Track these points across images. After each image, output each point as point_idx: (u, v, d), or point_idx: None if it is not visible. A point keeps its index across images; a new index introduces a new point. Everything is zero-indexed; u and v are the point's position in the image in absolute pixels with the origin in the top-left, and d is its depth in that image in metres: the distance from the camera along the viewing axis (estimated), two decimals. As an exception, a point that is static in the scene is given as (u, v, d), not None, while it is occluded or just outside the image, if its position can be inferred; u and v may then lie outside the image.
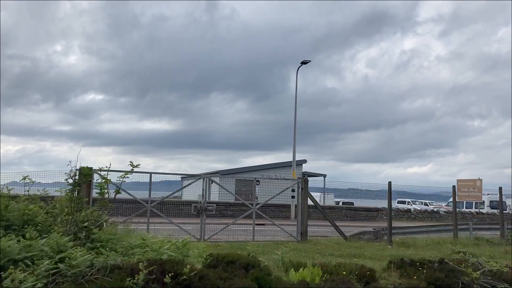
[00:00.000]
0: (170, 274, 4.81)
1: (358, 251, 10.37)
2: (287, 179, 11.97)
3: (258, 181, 24.81)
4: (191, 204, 10.31)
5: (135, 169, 6.75)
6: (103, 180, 6.44)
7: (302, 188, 11.22)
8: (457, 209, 38.10)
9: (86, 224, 6.55)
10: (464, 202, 37.98)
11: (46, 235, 5.92)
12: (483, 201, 36.30)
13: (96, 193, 6.68)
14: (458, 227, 15.28)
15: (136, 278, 4.68)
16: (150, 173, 10.48)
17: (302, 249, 10.29)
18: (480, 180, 21.69)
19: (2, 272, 4.46)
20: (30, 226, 6.27)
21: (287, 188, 11.80)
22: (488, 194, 36.51)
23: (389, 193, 12.72)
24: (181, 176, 30.07)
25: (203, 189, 10.23)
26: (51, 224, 6.57)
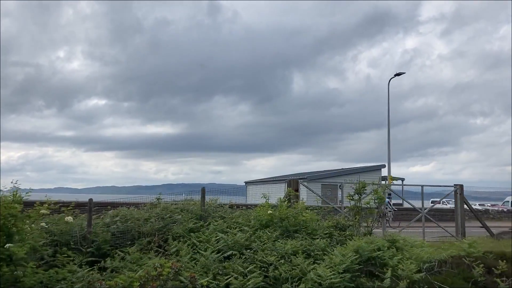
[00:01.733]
0: (497, 267, 6.36)
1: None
2: (447, 186, 13.38)
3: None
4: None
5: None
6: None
7: (460, 194, 12.67)
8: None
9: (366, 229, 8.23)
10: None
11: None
12: None
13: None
14: None
15: (475, 271, 6.26)
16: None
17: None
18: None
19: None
20: (309, 231, 7.96)
21: (448, 194, 13.30)
22: None
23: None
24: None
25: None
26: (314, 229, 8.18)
